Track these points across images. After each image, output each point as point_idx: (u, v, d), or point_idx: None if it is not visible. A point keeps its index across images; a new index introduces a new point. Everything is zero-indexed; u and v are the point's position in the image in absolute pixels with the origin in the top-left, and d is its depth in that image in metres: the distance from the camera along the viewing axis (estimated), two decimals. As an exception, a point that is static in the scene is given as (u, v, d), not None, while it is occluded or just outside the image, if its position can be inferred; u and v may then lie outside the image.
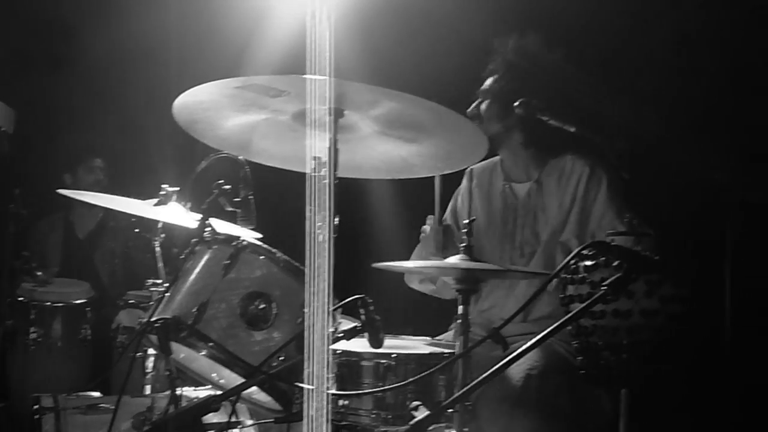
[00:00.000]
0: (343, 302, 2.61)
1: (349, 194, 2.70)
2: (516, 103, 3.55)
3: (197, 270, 2.88)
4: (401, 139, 2.83)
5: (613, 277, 2.37)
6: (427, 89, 2.70)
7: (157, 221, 3.85)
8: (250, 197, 3.13)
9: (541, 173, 3.81)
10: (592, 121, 3.45)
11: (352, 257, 2.58)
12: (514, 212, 3.81)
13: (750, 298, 3.32)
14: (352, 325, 2.65)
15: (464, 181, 4.01)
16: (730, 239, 3.01)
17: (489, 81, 3.82)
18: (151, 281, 4.13)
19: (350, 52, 3.57)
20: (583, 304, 2.43)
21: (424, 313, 4.19)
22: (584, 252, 2.54)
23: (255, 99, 2.65)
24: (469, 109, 3.77)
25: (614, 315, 2.50)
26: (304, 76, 2.42)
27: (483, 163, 3.92)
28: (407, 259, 3.77)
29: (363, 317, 2.61)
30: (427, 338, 3.52)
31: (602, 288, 2.35)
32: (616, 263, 2.48)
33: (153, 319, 2.81)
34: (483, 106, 3.81)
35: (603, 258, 2.52)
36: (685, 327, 2.50)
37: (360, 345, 2.82)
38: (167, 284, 2.91)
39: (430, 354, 3.16)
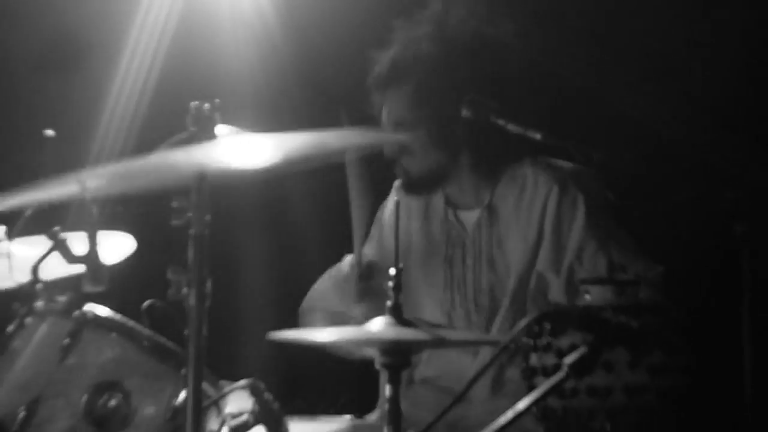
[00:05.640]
0: (229, 390, 2.30)
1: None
2: (465, 104, 2.83)
3: (27, 353, 2.42)
4: None
5: (575, 356, 2.05)
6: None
7: None
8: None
9: (493, 194, 2.99)
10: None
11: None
12: (462, 249, 3.00)
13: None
14: (242, 418, 2.30)
15: (389, 203, 3.17)
16: (748, 281, 2.27)
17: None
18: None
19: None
20: (547, 382, 2.08)
21: (345, 382, 3.45)
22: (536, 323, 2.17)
23: None
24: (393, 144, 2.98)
25: (589, 393, 2.10)
26: None
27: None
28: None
29: (256, 408, 2.29)
30: (349, 417, 2.93)
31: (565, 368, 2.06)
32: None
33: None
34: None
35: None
36: (684, 406, 2.13)
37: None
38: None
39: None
